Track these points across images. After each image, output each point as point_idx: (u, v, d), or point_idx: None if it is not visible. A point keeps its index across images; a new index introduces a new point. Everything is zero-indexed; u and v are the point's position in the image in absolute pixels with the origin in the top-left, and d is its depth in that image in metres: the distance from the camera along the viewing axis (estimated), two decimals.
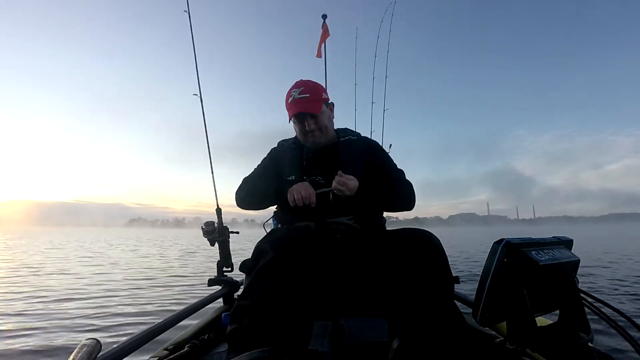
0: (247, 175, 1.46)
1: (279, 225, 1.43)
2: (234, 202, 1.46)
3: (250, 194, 1.38)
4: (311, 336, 0.89)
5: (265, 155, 1.51)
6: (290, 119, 1.34)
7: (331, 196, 1.23)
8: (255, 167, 1.49)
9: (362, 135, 1.54)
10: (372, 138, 1.67)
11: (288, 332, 0.81)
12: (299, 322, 0.86)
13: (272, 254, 0.93)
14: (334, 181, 1.19)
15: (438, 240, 1.00)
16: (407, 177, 1.40)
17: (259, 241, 1.03)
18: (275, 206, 1.51)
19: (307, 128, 1.32)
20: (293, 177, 1.33)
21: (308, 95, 1.31)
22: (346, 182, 1.17)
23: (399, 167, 1.44)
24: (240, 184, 1.43)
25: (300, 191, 1.18)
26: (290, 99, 1.33)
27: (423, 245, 0.97)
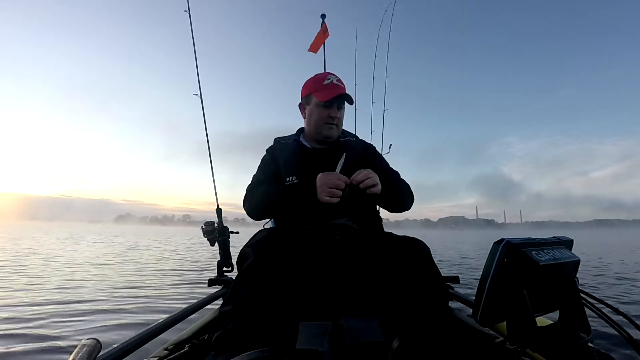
0: (249, 184, 1.39)
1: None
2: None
3: (255, 205, 1.30)
4: (297, 337, 0.89)
5: (262, 158, 1.46)
6: (324, 100, 1.30)
7: (346, 191, 1.13)
8: (256, 172, 1.43)
9: (360, 138, 1.55)
10: (372, 138, 1.68)
11: (272, 334, 0.82)
12: (283, 324, 0.86)
13: (252, 258, 0.94)
14: (357, 178, 1.10)
15: (428, 248, 1.07)
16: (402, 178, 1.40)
17: (244, 245, 1.02)
18: None
19: (331, 115, 1.32)
20: (293, 178, 1.29)
21: (343, 86, 1.35)
22: (367, 173, 1.11)
23: (394, 168, 1.44)
24: (245, 195, 1.36)
25: (331, 186, 1.09)
26: (327, 81, 1.33)
27: (416, 252, 1.03)
